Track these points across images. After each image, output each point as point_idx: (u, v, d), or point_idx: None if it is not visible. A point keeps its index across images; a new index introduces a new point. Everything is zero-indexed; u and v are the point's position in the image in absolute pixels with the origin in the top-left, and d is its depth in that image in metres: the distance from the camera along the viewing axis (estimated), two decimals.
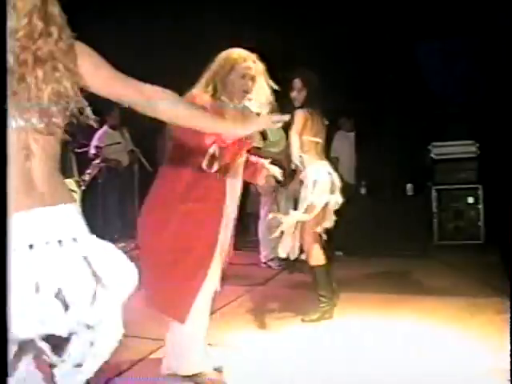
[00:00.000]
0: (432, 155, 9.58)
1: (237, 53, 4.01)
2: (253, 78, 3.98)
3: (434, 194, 9.43)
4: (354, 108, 9.91)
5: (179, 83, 3.41)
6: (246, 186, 9.77)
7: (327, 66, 9.50)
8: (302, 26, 9.94)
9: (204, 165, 3.70)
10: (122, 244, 9.53)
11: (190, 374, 3.98)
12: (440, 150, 9.56)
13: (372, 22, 9.90)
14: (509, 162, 9.22)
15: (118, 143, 9.56)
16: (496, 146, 9.36)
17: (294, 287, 6.71)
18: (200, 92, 3.90)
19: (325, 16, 9.85)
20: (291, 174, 7.33)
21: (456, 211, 9.35)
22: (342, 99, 9.88)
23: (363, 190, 9.32)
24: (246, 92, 3.98)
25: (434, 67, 10.54)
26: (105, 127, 10.04)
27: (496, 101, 9.90)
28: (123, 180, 9.91)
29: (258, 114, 3.94)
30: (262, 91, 4.02)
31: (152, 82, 2.35)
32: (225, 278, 7.32)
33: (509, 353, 3.71)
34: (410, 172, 9.72)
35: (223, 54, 4.01)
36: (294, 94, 5.74)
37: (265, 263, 8.00)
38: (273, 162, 6.39)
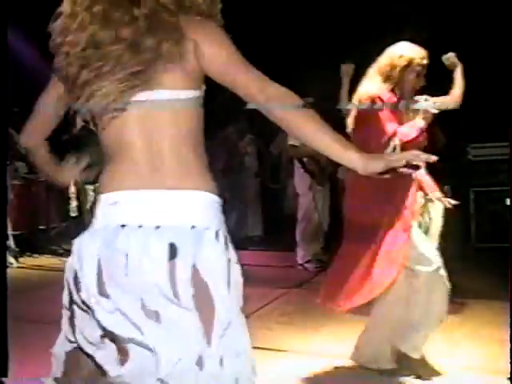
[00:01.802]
0: (469, 157, 9.51)
1: (413, 50, 3.99)
2: (424, 77, 3.99)
3: (471, 195, 9.36)
4: None
5: None
6: (284, 187, 9.86)
7: None
8: None
9: None
10: None
11: None
12: (478, 151, 9.48)
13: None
14: None
15: None
16: None
17: None
18: (379, 89, 3.89)
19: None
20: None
21: (494, 213, 9.26)
22: None
23: None
24: (419, 91, 4.00)
25: None
26: None
27: None
28: None
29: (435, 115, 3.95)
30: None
31: None
32: (260, 281, 7.41)
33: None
34: (447, 174, 9.66)
35: (398, 50, 3.98)
36: None
37: (301, 265, 7.98)
38: (311, 159, 6.45)
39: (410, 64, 3.93)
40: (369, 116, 3.83)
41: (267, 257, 8.92)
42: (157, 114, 1.99)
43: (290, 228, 9.12)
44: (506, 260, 8.16)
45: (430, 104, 3.95)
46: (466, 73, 4.44)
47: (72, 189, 2.52)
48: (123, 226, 1.95)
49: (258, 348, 4.81)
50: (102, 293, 1.90)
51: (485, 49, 9.56)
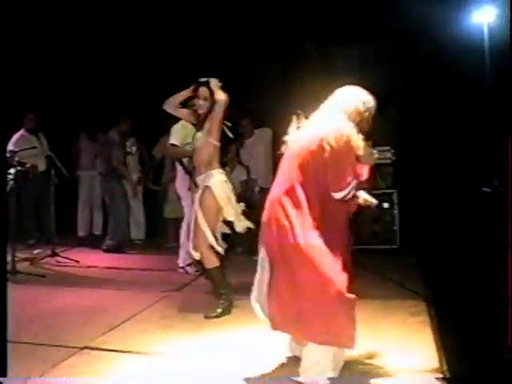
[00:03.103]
0: None
1: (372, 99, 4.21)
2: None
3: None
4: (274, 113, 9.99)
5: None
6: (166, 189, 9.80)
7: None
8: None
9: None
10: (38, 250, 9.37)
11: None
12: None
13: (288, 27, 10.00)
14: (421, 167, 9.46)
15: (34, 147, 9.37)
16: (409, 151, 9.58)
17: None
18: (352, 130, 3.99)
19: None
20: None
21: (372, 216, 9.45)
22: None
23: None
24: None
25: (351, 73, 10.70)
26: (21, 131, 9.86)
27: (411, 107, 10.14)
28: (39, 185, 9.73)
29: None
30: None
31: None
32: (142, 284, 7.33)
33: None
34: None
35: (363, 98, 4.17)
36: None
37: (182, 268, 7.93)
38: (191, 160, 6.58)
39: (371, 113, 4.18)
40: (342, 154, 3.89)
41: (149, 260, 8.85)
42: None
43: (174, 231, 9.12)
44: (382, 261, 8.42)
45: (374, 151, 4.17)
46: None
47: None
48: None
49: (136, 352, 4.79)
50: None
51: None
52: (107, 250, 9.72)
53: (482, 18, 11.26)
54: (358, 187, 4.06)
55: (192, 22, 10.36)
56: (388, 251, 9.09)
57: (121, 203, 9.97)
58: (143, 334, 5.28)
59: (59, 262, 8.73)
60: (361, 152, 3.99)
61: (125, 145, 9.97)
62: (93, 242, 10.50)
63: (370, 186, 4.35)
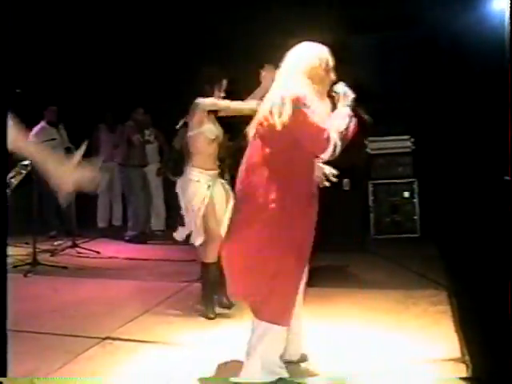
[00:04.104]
0: (368, 150, 9.67)
1: (326, 51, 4.04)
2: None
3: (370, 188, 9.52)
4: None
5: None
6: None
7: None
8: None
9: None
10: (59, 241, 9.43)
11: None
12: (376, 144, 9.66)
13: (308, 15, 9.94)
14: (442, 156, 9.39)
15: (54, 139, 9.41)
16: (430, 140, 9.51)
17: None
18: (302, 92, 3.78)
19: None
20: None
21: (392, 205, 9.45)
22: None
23: None
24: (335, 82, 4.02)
25: (370, 62, 10.63)
26: (42, 123, 9.92)
27: (430, 96, 10.06)
28: None
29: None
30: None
31: None
32: (163, 275, 7.34)
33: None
34: (347, 167, 9.76)
35: (315, 52, 3.99)
36: None
37: None
38: None
39: (328, 63, 3.99)
40: (299, 119, 3.67)
41: (170, 251, 8.86)
42: None
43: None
44: (402, 250, 8.39)
45: (347, 88, 3.98)
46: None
47: None
48: None
49: (157, 342, 4.81)
50: None
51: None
52: (129, 241, 9.77)
53: (503, 5, 11.13)
54: (344, 137, 3.78)
55: (209, 12, 10.34)
56: (408, 240, 9.08)
57: (139, 193, 10.01)
58: (165, 324, 5.31)
59: (80, 253, 8.78)
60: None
61: (143, 133, 10.00)
62: (113, 233, 10.56)
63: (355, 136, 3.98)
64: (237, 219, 3.93)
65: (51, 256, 8.52)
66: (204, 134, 5.53)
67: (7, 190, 6.49)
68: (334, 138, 3.68)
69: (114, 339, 4.86)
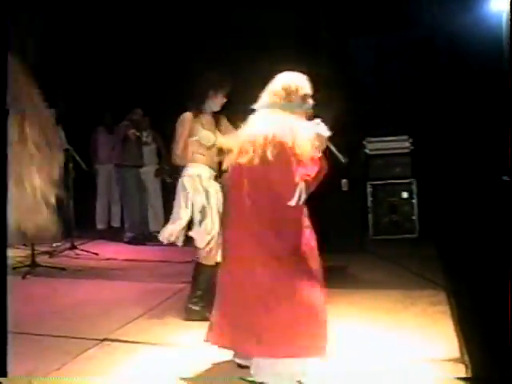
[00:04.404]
0: (366, 150, 9.67)
1: (304, 80, 4.01)
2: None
3: (368, 189, 9.52)
4: None
5: None
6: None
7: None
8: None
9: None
10: (58, 243, 9.41)
11: None
12: (374, 145, 9.66)
13: (306, 17, 9.95)
14: (441, 156, 9.41)
15: None
16: (428, 141, 9.52)
17: None
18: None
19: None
20: None
21: (391, 206, 9.46)
22: None
23: None
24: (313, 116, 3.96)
25: (368, 64, 10.65)
26: None
27: (428, 96, 10.07)
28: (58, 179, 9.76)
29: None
30: None
31: None
32: (161, 276, 7.34)
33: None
34: (345, 167, 9.75)
35: (293, 81, 3.95)
36: None
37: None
38: None
39: (306, 95, 3.96)
40: (280, 159, 3.65)
41: (168, 252, 8.84)
42: None
43: None
44: (401, 251, 8.40)
45: (323, 127, 3.86)
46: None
47: None
48: None
49: (155, 344, 4.80)
50: None
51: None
52: (128, 242, 9.77)
53: (501, 6, 11.13)
54: (310, 186, 3.73)
55: (211, 12, 10.34)
56: (407, 241, 9.09)
57: (134, 193, 10.01)
58: (163, 325, 5.30)
59: (78, 254, 8.77)
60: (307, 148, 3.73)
61: (140, 134, 10.01)
62: (111, 234, 10.56)
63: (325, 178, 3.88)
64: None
65: (50, 257, 8.51)
66: (199, 141, 5.46)
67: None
68: (302, 188, 3.66)
69: (112, 340, 4.85)
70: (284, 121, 3.79)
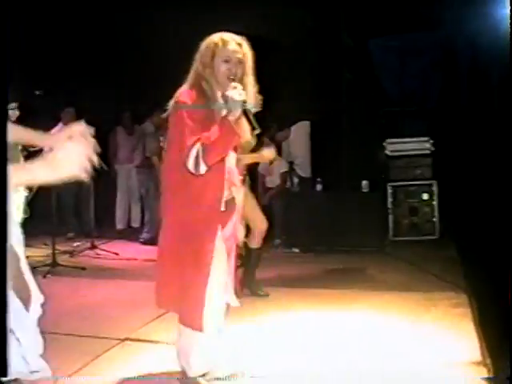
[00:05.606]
0: (387, 152, 9.64)
1: (218, 36, 3.57)
2: (240, 62, 3.54)
3: (389, 190, 9.49)
4: (311, 106, 9.95)
5: None
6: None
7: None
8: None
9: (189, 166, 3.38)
10: (78, 243, 9.46)
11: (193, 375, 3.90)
12: (395, 146, 9.62)
13: (327, 19, 9.93)
14: (462, 158, 9.36)
15: None
16: (449, 142, 9.48)
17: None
18: (187, 90, 3.56)
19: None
20: None
21: (411, 207, 9.42)
22: (301, 97, 9.94)
23: (319, 187, 9.30)
24: (232, 79, 3.49)
25: (389, 65, 10.61)
26: (60, 125, 9.94)
27: (449, 98, 10.02)
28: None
29: (245, 102, 3.41)
30: (247, 78, 3.59)
31: None
32: None
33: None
34: (366, 169, 9.74)
35: (205, 41, 3.60)
36: None
37: None
38: None
39: (216, 49, 3.55)
40: (173, 124, 3.54)
41: None
42: None
43: None
44: (421, 252, 8.36)
45: (236, 92, 3.41)
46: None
47: None
48: None
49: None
50: None
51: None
52: (144, 243, 9.78)
53: None
54: (212, 150, 3.38)
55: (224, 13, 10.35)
56: (427, 243, 9.04)
57: (156, 196, 10.03)
58: (155, 323, 5.31)
59: (98, 254, 8.81)
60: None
61: (159, 137, 10.03)
62: (131, 234, 10.58)
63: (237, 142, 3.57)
64: None
65: (70, 257, 8.55)
66: None
67: (28, 193, 6.54)
68: (199, 149, 3.35)
69: (133, 340, 4.87)
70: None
